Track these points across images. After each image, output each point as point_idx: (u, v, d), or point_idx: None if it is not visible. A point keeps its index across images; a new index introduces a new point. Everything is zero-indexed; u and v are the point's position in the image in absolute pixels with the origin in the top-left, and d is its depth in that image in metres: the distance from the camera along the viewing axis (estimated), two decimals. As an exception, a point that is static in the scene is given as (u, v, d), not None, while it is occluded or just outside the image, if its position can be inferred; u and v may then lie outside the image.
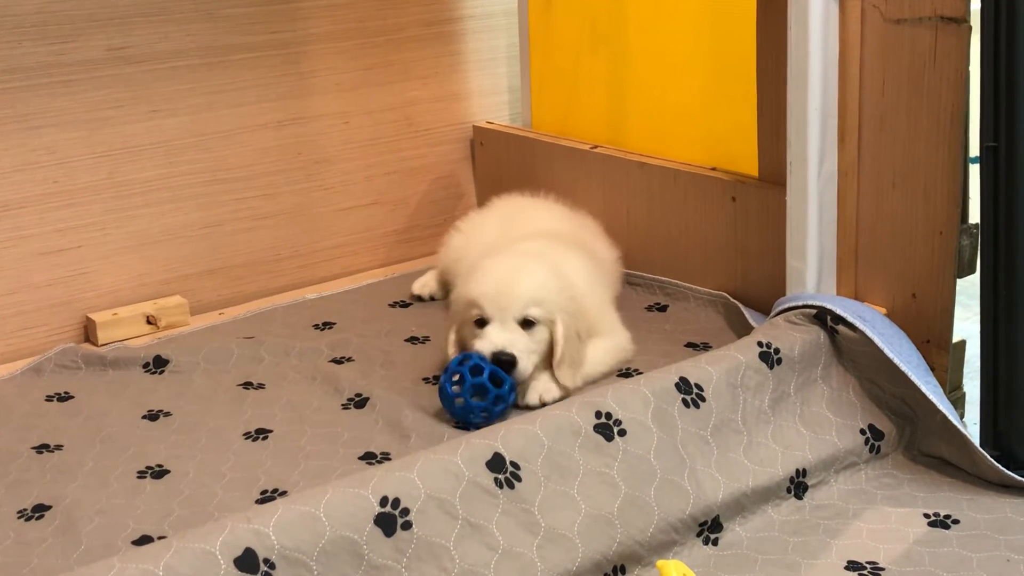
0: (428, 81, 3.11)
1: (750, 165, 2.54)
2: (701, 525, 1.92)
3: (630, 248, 2.76)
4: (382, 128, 3.06)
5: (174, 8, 2.70)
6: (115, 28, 2.64)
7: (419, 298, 2.82)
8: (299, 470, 2.05)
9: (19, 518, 1.95)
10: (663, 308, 2.65)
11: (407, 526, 1.71)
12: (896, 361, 2.11)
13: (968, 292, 2.27)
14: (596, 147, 2.91)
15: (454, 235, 2.77)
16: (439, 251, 2.82)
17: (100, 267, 2.71)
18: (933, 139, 2.15)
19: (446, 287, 2.73)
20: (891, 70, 2.19)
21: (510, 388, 2.16)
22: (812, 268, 2.30)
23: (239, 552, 1.59)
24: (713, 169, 2.64)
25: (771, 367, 2.11)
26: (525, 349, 2.20)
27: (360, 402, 2.29)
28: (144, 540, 1.84)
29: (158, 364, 2.48)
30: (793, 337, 2.17)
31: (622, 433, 1.93)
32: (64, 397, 2.39)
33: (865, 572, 1.81)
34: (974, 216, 2.16)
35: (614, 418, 1.94)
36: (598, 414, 1.94)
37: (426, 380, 2.36)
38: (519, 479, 1.82)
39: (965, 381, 2.28)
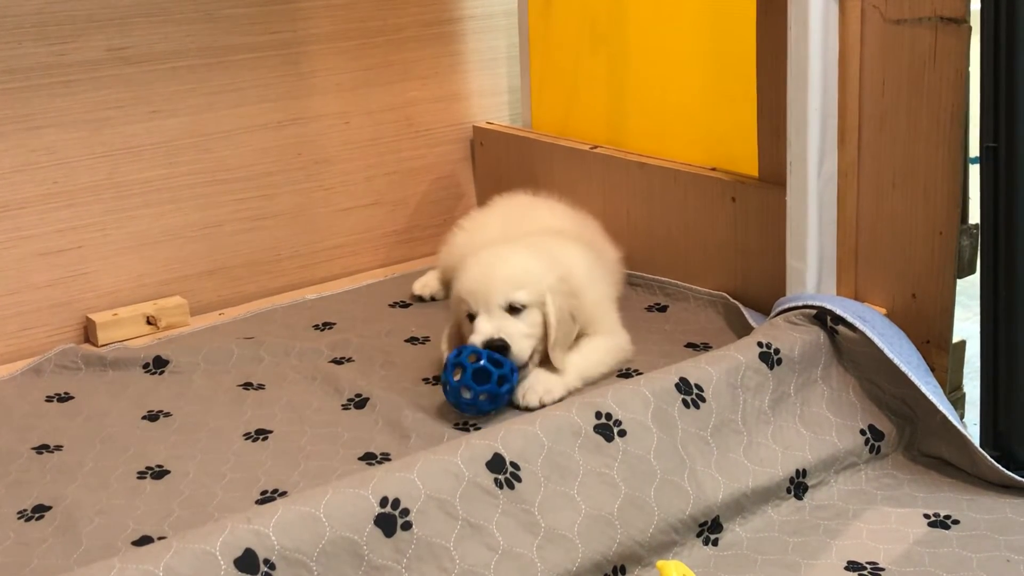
0: (428, 81, 3.11)
1: (750, 165, 2.54)
2: (701, 525, 1.92)
3: (630, 248, 2.76)
4: (382, 128, 3.06)
5: (174, 8, 2.70)
6: (115, 28, 2.64)
7: (419, 298, 2.82)
8: (299, 470, 2.05)
9: (19, 518, 1.94)
10: (663, 308, 2.65)
11: (407, 526, 1.71)
12: (896, 361, 2.10)
13: (968, 292, 2.27)
14: (596, 147, 2.90)
15: (457, 233, 2.77)
16: (441, 250, 2.82)
17: (100, 267, 2.71)
18: (933, 139, 2.15)
19: (448, 286, 2.72)
20: (891, 70, 2.19)
21: (512, 368, 2.16)
22: (812, 268, 2.30)
23: (239, 552, 1.59)
24: (713, 169, 2.64)
25: (771, 367, 2.11)
26: (517, 333, 2.20)
27: (360, 402, 2.29)
28: (144, 540, 1.84)
29: (158, 364, 2.48)
30: (793, 337, 2.17)
31: (622, 433, 1.93)
32: (64, 397, 2.39)
33: (865, 572, 1.81)
34: (974, 216, 2.15)
35: (614, 418, 1.94)
36: (598, 414, 1.94)
37: (426, 380, 2.36)
38: (519, 479, 1.82)
39: (965, 381, 2.28)
